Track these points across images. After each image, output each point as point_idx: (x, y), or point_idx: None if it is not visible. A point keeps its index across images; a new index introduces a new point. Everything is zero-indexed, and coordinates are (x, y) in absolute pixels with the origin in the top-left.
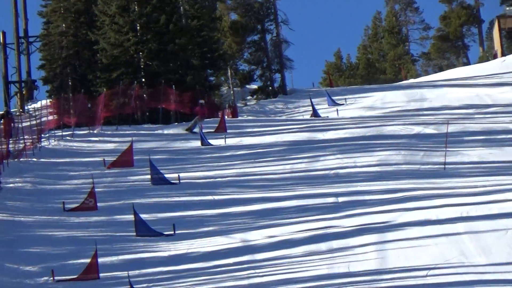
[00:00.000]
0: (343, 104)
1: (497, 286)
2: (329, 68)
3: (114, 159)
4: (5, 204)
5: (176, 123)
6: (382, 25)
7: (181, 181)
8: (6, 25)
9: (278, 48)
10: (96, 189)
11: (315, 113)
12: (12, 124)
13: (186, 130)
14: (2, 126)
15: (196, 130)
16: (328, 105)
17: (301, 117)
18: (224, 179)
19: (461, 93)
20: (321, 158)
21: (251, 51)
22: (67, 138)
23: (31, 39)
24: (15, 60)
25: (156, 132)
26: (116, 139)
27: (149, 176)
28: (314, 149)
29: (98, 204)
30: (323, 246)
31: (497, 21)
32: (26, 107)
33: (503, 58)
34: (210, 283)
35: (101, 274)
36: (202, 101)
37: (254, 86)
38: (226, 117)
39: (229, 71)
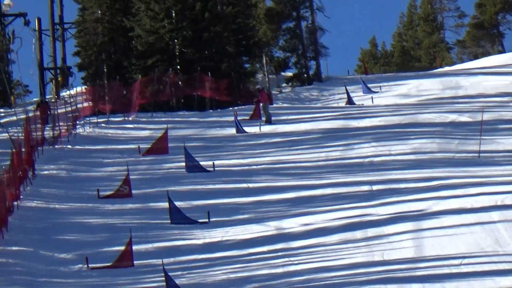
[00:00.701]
0: (378, 92)
1: None
2: (364, 55)
3: (149, 146)
4: (40, 191)
5: (211, 110)
6: (417, 12)
7: (215, 168)
8: (41, 12)
9: (313, 35)
10: (130, 176)
11: (350, 101)
12: (48, 111)
13: (266, 121)
14: (38, 113)
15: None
16: (363, 93)
17: (336, 105)
18: (258, 166)
19: (496, 81)
20: (356, 146)
21: (286, 38)
22: (102, 125)
23: (66, 26)
24: (50, 47)
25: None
26: (151, 126)
27: (184, 164)
28: (349, 137)
29: (133, 191)
30: (358, 234)
31: None
32: (61, 94)
33: None
34: (245, 271)
35: (135, 262)
36: (260, 87)
37: (289, 74)
38: (261, 104)
39: (264, 58)
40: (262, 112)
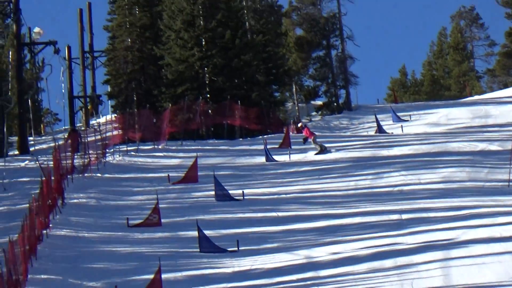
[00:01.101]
0: (407, 121)
1: None
2: (394, 84)
3: (179, 174)
4: (69, 220)
5: (241, 139)
6: (447, 41)
7: (245, 197)
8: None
9: (343, 64)
10: (160, 205)
11: (379, 129)
12: (78, 139)
13: (320, 151)
14: (68, 141)
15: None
16: (393, 121)
17: (365, 133)
18: (288, 195)
19: None
20: (385, 175)
21: (316, 66)
22: (132, 153)
23: (96, 54)
24: (80, 75)
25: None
26: (181, 154)
27: (213, 192)
28: (379, 165)
29: (162, 220)
30: (387, 263)
31: None
32: (91, 122)
33: None
34: None
35: None
36: (302, 124)
37: (319, 102)
38: (290, 133)
39: (294, 86)
40: (314, 146)
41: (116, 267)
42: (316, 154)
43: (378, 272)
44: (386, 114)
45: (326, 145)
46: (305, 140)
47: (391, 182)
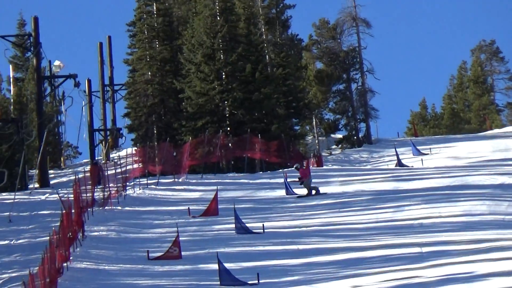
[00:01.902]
0: (427, 154)
1: None
2: (414, 117)
3: (199, 208)
4: (89, 253)
5: (261, 172)
6: (467, 74)
7: (265, 230)
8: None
9: (363, 97)
10: (180, 238)
11: (399, 163)
12: (100, 172)
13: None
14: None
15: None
16: (413, 155)
17: (386, 167)
18: (308, 228)
19: None
20: (406, 208)
21: (336, 100)
22: (152, 186)
23: (116, 87)
24: (100, 108)
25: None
26: (201, 187)
27: (233, 225)
28: (399, 198)
29: (183, 253)
30: None
31: None
32: (111, 155)
33: None
34: None
35: None
36: (297, 165)
37: (339, 135)
38: (311, 166)
39: (314, 120)
40: (305, 187)
41: None
42: (302, 196)
43: None
44: (406, 148)
45: (346, 178)
46: (301, 182)
47: (411, 215)
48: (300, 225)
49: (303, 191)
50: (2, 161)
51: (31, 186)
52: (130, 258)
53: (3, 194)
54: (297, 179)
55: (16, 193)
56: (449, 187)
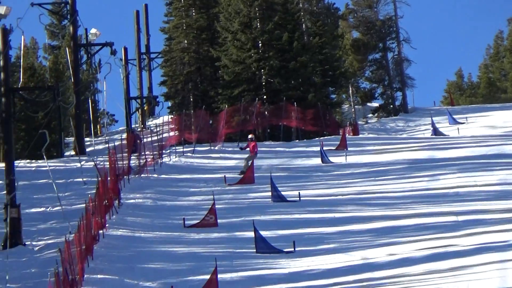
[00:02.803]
0: (464, 123)
1: None
2: (450, 86)
3: (235, 176)
4: (125, 220)
5: (297, 140)
6: (503, 44)
7: (301, 198)
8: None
9: (399, 67)
10: (216, 206)
11: (435, 132)
12: (137, 141)
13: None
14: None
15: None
16: (449, 124)
17: (421, 135)
18: (344, 196)
19: None
20: (441, 177)
21: (372, 69)
22: (188, 154)
23: (153, 55)
24: (136, 76)
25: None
26: (237, 155)
27: (269, 193)
28: (434, 167)
29: (219, 221)
30: (442, 264)
31: None
32: (147, 123)
33: None
34: None
35: None
36: (251, 136)
37: (375, 104)
38: (347, 134)
39: (350, 88)
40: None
41: (172, 267)
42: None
43: (433, 273)
44: (442, 117)
45: (382, 147)
46: (241, 148)
47: (447, 184)
48: (336, 193)
49: (340, 159)
50: (38, 129)
51: (67, 154)
52: (166, 226)
53: (39, 161)
54: (242, 147)
55: (53, 160)
56: (485, 156)
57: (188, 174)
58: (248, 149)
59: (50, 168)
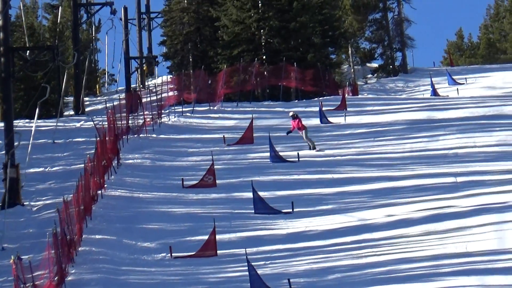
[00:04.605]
0: (463, 84)
1: None
2: (450, 47)
3: (234, 136)
4: (124, 180)
5: (296, 101)
6: (504, 4)
7: (300, 159)
8: (128, 1)
9: (399, 27)
10: (215, 166)
11: (434, 92)
12: (138, 100)
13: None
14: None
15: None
16: (449, 84)
17: (421, 96)
18: (343, 157)
19: None
20: (440, 138)
21: (372, 29)
22: (187, 114)
23: (152, 15)
24: (136, 36)
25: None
26: (236, 116)
27: (268, 154)
28: (434, 128)
29: (217, 181)
30: (440, 225)
31: None
32: (146, 83)
33: None
34: (328, 261)
35: (219, 251)
36: (292, 114)
37: (375, 65)
38: (346, 95)
39: (350, 49)
40: (306, 141)
41: (170, 227)
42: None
43: (432, 234)
44: (442, 77)
45: (381, 107)
46: (289, 133)
47: (446, 144)
48: (335, 154)
49: (339, 119)
50: (37, 88)
51: (66, 113)
52: (165, 186)
53: (39, 121)
54: (288, 132)
55: (51, 120)
56: (484, 117)
57: (187, 134)
58: (295, 129)
59: (49, 128)
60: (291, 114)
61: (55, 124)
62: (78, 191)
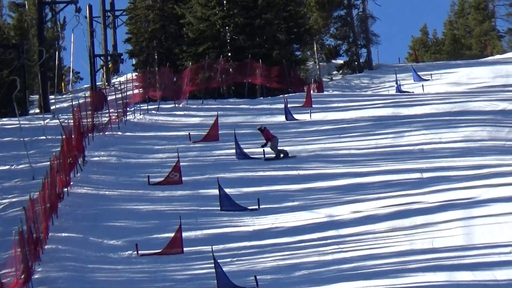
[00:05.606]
0: (428, 80)
1: None
2: (415, 43)
3: (200, 133)
4: (90, 178)
5: (261, 98)
6: (468, 1)
7: (265, 156)
8: None
9: (364, 23)
10: (181, 163)
11: (399, 89)
12: (103, 99)
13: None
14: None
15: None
16: (414, 81)
17: (386, 92)
18: (308, 154)
19: None
20: (406, 134)
21: (337, 26)
22: (153, 112)
23: (117, 13)
24: (101, 34)
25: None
26: (201, 113)
27: (234, 151)
28: (399, 124)
29: (183, 178)
30: (407, 222)
31: None
32: (111, 81)
33: None
34: (294, 258)
35: (185, 249)
36: (259, 127)
37: (340, 61)
38: (311, 91)
39: (315, 46)
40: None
41: (136, 225)
42: (272, 159)
43: (399, 230)
44: (407, 73)
45: (346, 104)
46: (264, 145)
47: (412, 141)
48: (301, 150)
49: (305, 116)
50: (3, 86)
51: (31, 111)
52: (131, 183)
53: (4, 119)
54: (263, 145)
55: (16, 119)
56: (450, 113)
57: (153, 131)
58: (267, 141)
59: (15, 126)
60: (258, 128)
61: (20, 122)
62: (44, 189)
